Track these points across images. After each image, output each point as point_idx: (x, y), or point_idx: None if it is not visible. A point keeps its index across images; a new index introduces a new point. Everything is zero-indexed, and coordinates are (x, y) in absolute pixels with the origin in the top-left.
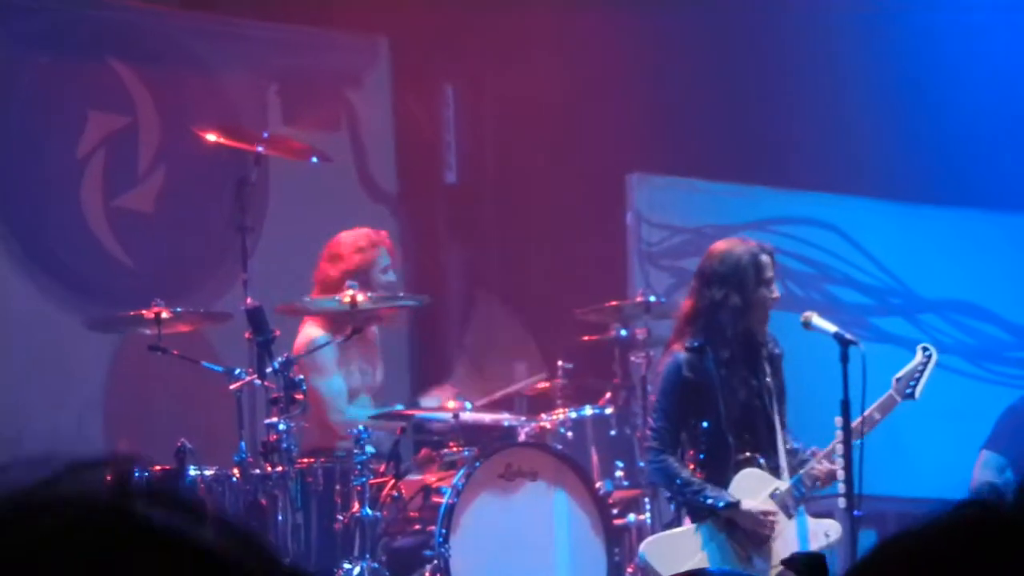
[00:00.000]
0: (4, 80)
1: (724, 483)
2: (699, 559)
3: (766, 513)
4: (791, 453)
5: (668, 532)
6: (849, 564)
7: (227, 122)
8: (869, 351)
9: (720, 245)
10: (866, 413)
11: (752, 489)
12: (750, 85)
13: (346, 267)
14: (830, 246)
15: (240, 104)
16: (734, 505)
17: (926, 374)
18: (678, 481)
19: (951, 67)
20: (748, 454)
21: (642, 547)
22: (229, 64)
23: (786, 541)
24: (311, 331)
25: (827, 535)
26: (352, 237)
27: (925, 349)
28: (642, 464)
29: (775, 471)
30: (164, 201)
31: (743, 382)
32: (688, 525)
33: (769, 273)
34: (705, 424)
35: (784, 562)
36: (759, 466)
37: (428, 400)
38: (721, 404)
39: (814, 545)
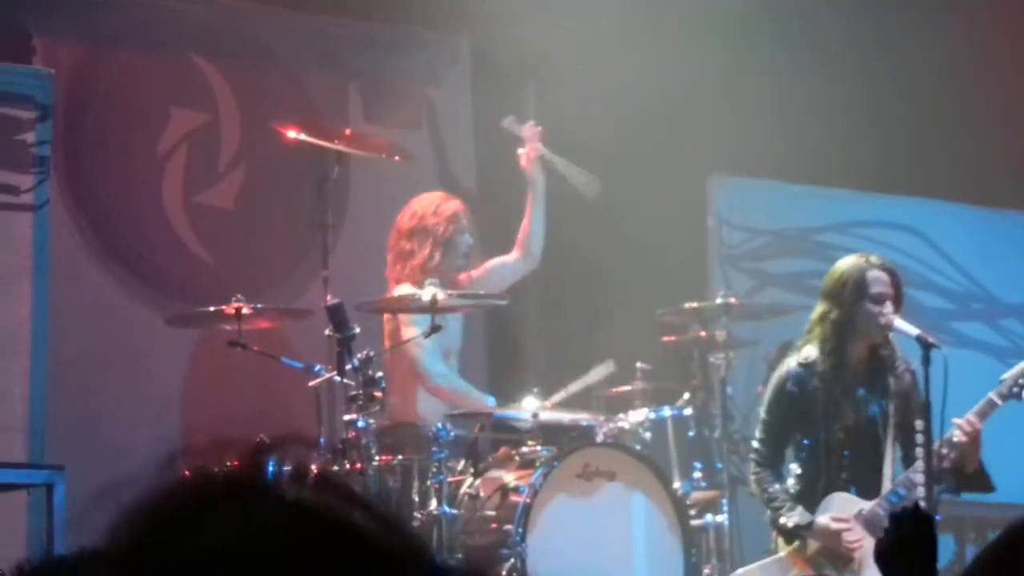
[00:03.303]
0: (87, 76)
1: (815, 502)
2: None
3: (840, 524)
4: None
5: (756, 564)
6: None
7: (308, 119)
8: (950, 355)
9: (840, 261)
10: (959, 421)
11: (838, 511)
12: (832, 87)
13: (432, 237)
14: (911, 250)
15: (321, 101)
16: (806, 526)
17: None
18: (766, 496)
19: None
20: (844, 476)
21: None
22: (310, 61)
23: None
24: (405, 290)
25: None
26: (427, 202)
27: None
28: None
29: (872, 496)
30: (245, 198)
31: (855, 404)
32: (776, 555)
33: (876, 288)
34: (806, 441)
35: (892, 515)
36: (849, 491)
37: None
38: (822, 424)
39: None
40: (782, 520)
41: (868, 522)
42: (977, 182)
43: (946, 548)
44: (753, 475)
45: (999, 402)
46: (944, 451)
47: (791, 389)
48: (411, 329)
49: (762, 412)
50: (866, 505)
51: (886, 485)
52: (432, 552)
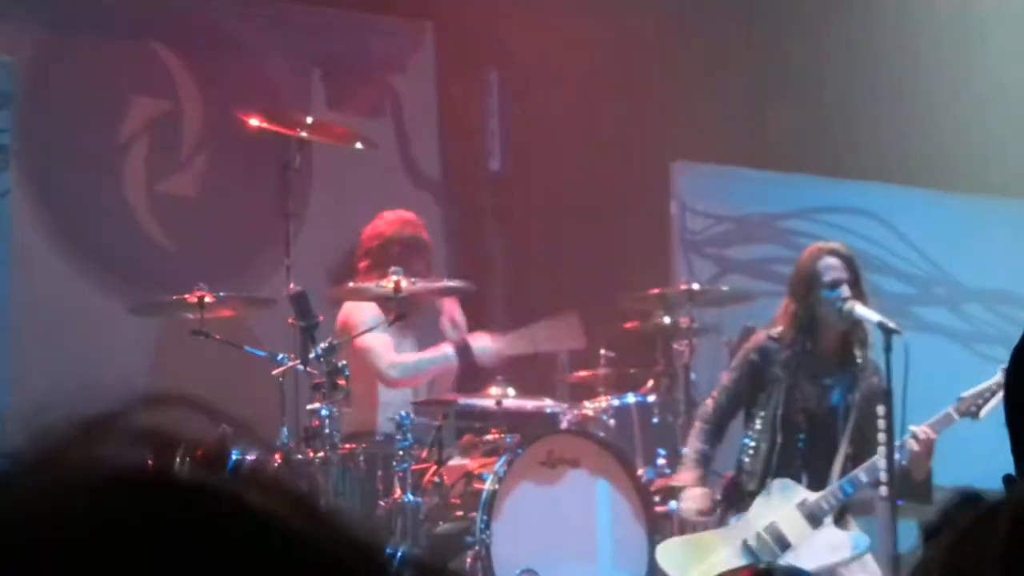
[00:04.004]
0: (47, 65)
1: (767, 477)
2: (710, 564)
3: (698, 519)
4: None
5: (683, 537)
6: (891, 552)
7: (270, 107)
8: (912, 340)
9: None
10: (916, 429)
11: (780, 497)
12: (795, 74)
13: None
14: (874, 235)
15: (283, 89)
16: (678, 489)
17: (999, 396)
18: (685, 448)
19: (997, 57)
20: (798, 463)
21: (657, 551)
22: (272, 49)
23: (811, 549)
24: (356, 306)
25: (855, 547)
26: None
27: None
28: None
29: (819, 487)
30: (207, 186)
31: (819, 390)
32: (708, 531)
33: (829, 276)
34: (761, 414)
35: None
36: (801, 478)
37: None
38: (780, 404)
39: (839, 555)
40: (672, 474)
41: (810, 513)
42: (939, 167)
43: (909, 535)
44: (693, 426)
45: (956, 417)
46: (896, 456)
47: (753, 358)
48: (370, 344)
49: (723, 375)
50: (811, 496)
51: (834, 479)
52: (384, 555)
